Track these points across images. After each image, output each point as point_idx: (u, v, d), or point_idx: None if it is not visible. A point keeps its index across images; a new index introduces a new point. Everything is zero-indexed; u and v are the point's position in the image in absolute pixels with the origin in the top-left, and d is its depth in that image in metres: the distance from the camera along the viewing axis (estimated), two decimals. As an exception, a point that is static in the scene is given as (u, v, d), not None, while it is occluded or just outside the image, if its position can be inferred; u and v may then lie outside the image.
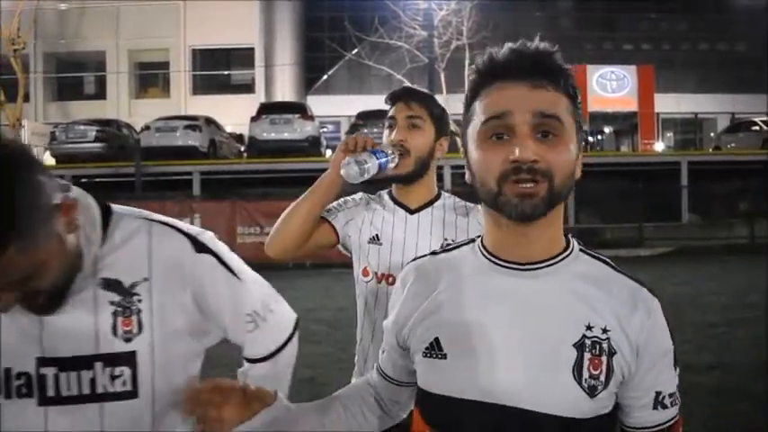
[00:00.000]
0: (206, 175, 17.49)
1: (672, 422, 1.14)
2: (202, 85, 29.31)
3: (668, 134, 33.45)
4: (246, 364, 1.40)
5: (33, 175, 1.03)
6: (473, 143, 1.11)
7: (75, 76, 29.41)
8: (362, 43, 27.24)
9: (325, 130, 21.99)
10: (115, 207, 1.24)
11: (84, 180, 18.12)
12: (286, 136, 18.03)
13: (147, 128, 18.49)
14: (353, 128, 17.08)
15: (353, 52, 27.95)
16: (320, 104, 26.56)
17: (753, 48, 31.17)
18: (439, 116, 2.12)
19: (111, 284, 1.17)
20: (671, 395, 1.13)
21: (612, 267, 1.15)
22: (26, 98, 24.27)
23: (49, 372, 1.14)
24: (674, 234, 16.79)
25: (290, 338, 1.43)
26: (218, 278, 1.26)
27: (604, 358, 1.07)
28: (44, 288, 1.08)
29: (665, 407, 1.12)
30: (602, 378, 1.07)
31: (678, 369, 1.14)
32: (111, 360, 1.15)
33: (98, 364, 1.15)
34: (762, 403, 4.74)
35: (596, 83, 27.75)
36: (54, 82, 29.09)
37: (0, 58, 22.40)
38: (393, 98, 2.11)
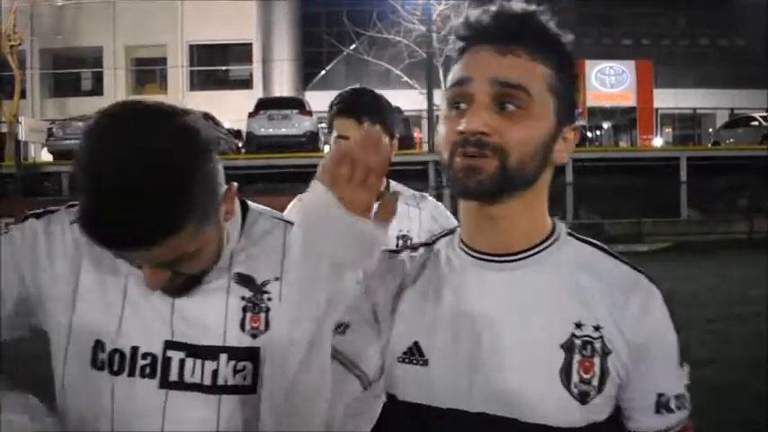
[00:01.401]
0: (204, 170, 17.42)
1: (679, 426, 1.00)
2: (200, 81, 29.24)
3: (667, 129, 33.43)
4: None
5: (211, 159, 1.02)
6: (442, 112, 1.02)
7: (72, 72, 29.32)
8: (361, 38, 27.15)
9: (323, 125, 21.92)
10: (251, 205, 1.22)
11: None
12: (284, 131, 17.98)
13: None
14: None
15: (351, 47, 27.87)
16: (318, 100, 26.43)
17: (752, 43, 31.14)
18: (391, 122, 2.03)
19: (244, 280, 1.14)
20: (677, 397, 0.99)
21: (605, 252, 1.04)
22: (23, 95, 24.19)
23: (176, 356, 1.11)
24: (673, 229, 16.81)
25: None
26: None
27: (596, 360, 0.96)
28: (192, 272, 1.06)
29: (669, 410, 0.99)
30: (595, 382, 0.96)
31: (687, 367, 1.01)
32: (236, 354, 1.12)
33: (223, 356, 1.12)
34: (760, 398, 4.74)
35: (595, 78, 27.78)
36: (51, 78, 29.01)
37: (-3, 54, 22.32)
38: (345, 111, 1.98)
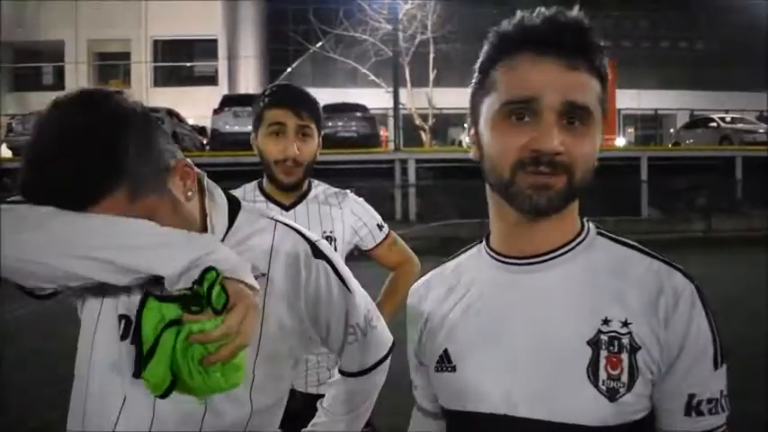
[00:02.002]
0: (168, 167, 17.20)
1: None
2: (164, 77, 28.86)
3: (629, 130, 33.94)
4: (337, 375, 1.43)
5: (148, 131, 1.08)
6: (487, 119, 0.99)
7: (33, 66, 28.72)
8: (327, 36, 27.08)
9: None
10: (244, 204, 1.29)
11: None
12: (249, 128, 17.74)
13: (107, 119, 18.12)
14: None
15: (318, 45, 27.80)
16: (284, 97, 26.28)
17: (712, 46, 31.79)
18: (321, 118, 2.07)
19: None
20: (711, 401, 0.96)
21: (638, 250, 1.03)
22: (-19, 88, 23.67)
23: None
24: (634, 228, 17.08)
25: (383, 359, 1.40)
26: (332, 285, 1.26)
27: (624, 356, 0.94)
28: None
29: (700, 413, 0.95)
30: (624, 379, 0.94)
31: (724, 369, 0.97)
32: None
33: None
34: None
35: (559, 78, 28.00)
36: (11, 72, 28.36)
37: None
38: (279, 101, 2.02)
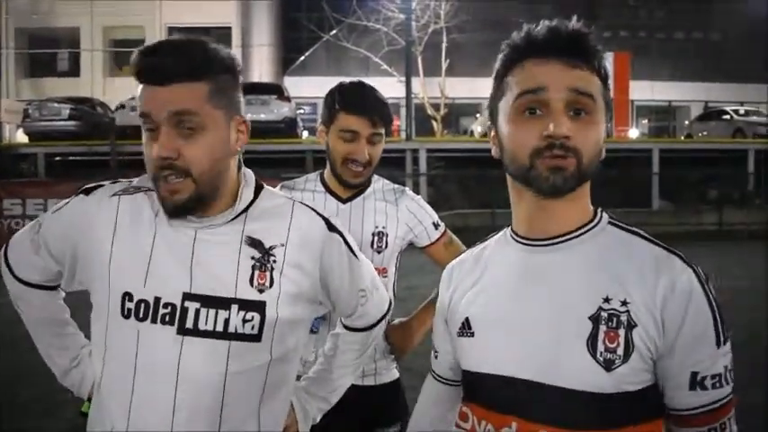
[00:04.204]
0: (182, 154, 17.27)
1: (716, 405, 1.07)
2: (178, 64, 28.89)
3: (643, 121, 33.78)
4: (343, 330, 1.61)
5: (237, 79, 1.34)
6: (504, 117, 1.13)
7: (48, 52, 28.89)
8: (340, 25, 27.08)
9: (301, 111, 21.91)
10: (266, 186, 1.45)
11: (58, 158, 17.92)
12: (263, 117, 17.83)
13: (121, 106, 18.15)
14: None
15: (331, 33, 27.79)
16: (297, 85, 26.37)
17: (727, 37, 31.51)
18: (390, 120, 2.14)
19: (255, 243, 1.34)
20: (714, 376, 1.06)
21: (642, 237, 1.14)
22: (-2, 74, 23.83)
23: (192, 306, 1.29)
24: (645, 220, 17.04)
25: (385, 315, 1.62)
26: (344, 255, 1.43)
27: (621, 331, 1.04)
28: (193, 172, 1.25)
29: (704, 388, 1.06)
30: (620, 352, 1.04)
31: (728, 346, 1.07)
32: (246, 305, 1.31)
33: (234, 307, 1.30)
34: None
35: (572, 69, 27.77)
36: (27, 58, 28.56)
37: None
38: (354, 109, 2.05)
